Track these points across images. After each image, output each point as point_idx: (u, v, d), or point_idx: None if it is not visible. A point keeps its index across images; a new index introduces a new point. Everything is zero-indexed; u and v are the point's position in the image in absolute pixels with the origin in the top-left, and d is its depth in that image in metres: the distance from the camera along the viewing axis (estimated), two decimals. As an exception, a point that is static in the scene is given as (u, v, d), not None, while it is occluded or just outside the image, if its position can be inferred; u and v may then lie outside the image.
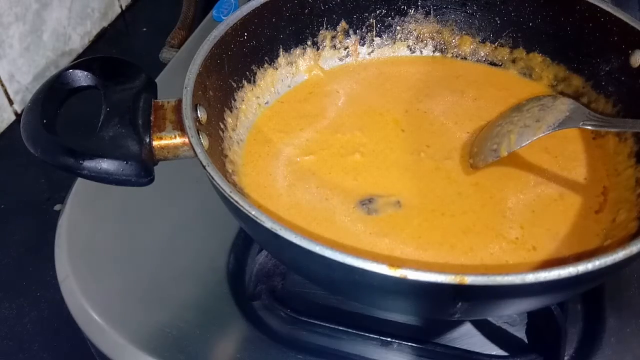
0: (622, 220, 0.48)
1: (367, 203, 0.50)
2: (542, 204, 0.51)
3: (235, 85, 0.55)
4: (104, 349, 0.51)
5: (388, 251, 0.47)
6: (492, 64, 0.64)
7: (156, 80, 0.49)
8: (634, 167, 0.52)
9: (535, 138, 0.50)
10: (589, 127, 0.50)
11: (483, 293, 0.36)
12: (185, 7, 0.95)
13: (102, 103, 0.45)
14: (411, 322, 0.52)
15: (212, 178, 0.40)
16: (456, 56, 0.65)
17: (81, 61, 0.47)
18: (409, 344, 0.50)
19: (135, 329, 0.51)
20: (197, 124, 0.45)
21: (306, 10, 0.60)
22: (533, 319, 0.52)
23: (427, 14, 0.64)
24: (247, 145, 0.55)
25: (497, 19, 0.63)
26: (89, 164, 0.41)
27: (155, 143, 0.44)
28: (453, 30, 0.65)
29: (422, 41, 0.66)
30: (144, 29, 1.04)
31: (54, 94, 0.45)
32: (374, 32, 0.64)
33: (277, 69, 0.60)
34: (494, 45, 0.64)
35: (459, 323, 0.52)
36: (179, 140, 0.44)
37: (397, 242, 0.47)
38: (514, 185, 0.52)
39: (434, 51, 0.66)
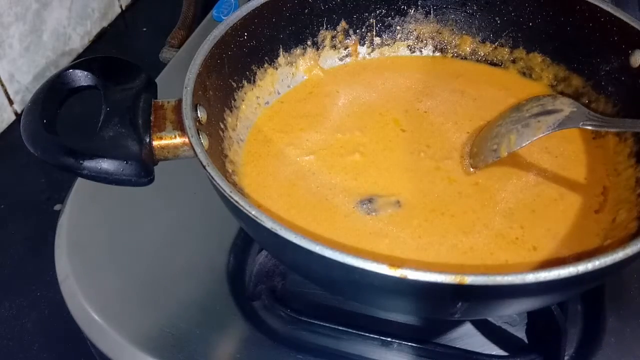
0: (622, 220, 0.48)
1: (367, 203, 0.50)
2: (542, 204, 0.51)
3: (235, 85, 0.55)
4: (104, 349, 0.51)
5: (388, 251, 0.47)
6: (492, 63, 0.64)
7: (156, 80, 0.49)
8: (634, 167, 0.52)
9: (535, 138, 0.50)
10: (589, 127, 0.50)
11: (483, 293, 0.36)
12: (185, 7, 0.95)
13: (102, 103, 0.45)
14: (411, 322, 0.52)
15: (212, 178, 0.40)
16: (456, 56, 0.66)
17: (81, 61, 0.47)
18: (409, 344, 0.50)
19: (135, 329, 0.51)
20: (197, 123, 0.45)
21: (306, 10, 0.60)
22: (533, 319, 0.52)
23: (427, 13, 0.64)
24: (247, 145, 0.55)
25: (497, 19, 0.63)
26: (89, 164, 0.41)
27: (155, 143, 0.44)
28: (453, 30, 0.65)
29: (422, 41, 0.66)
30: (144, 29, 1.04)
31: (54, 94, 0.45)
32: (374, 32, 0.64)
33: (277, 69, 0.60)
34: (494, 45, 0.64)
35: (459, 323, 0.52)
36: (179, 140, 0.44)
37: (397, 242, 0.47)
38: (514, 185, 0.52)
39: (434, 51, 0.66)
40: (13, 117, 0.84)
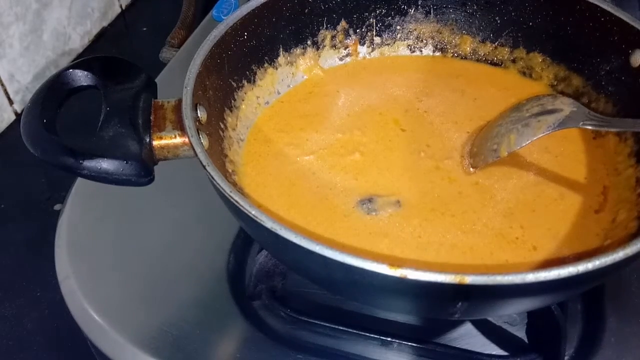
0: (622, 220, 0.48)
1: (367, 203, 0.50)
2: (542, 203, 0.51)
3: (235, 85, 0.55)
4: (104, 349, 0.51)
5: (388, 251, 0.47)
6: (492, 63, 0.64)
7: (156, 80, 0.49)
8: (634, 167, 0.52)
9: (535, 138, 0.50)
10: (589, 127, 0.50)
11: (483, 293, 0.36)
12: (185, 7, 0.95)
13: (102, 103, 0.45)
14: (411, 322, 0.52)
15: (212, 178, 0.40)
16: (456, 56, 0.65)
17: (81, 61, 0.47)
18: (409, 344, 0.50)
19: (135, 329, 0.51)
20: (197, 123, 0.45)
21: (306, 10, 0.60)
22: (533, 319, 0.52)
23: (427, 13, 0.64)
24: (247, 145, 0.55)
25: (497, 18, 0.63)
26: (89, 164, 0.41)
27: (155, 143, 0.44)
28: (453, 29, 0.65)
29: (422, 41, 0.66)
30: (144, 29, 1.04)
31: (54, 94, 0.45)
32: (374, 31, 0.64)
33: (277, 68, 0.60)
34: (494, 45, 0.64)
35: (459, 323, 0.52)
36: (179, 140, 0.44)
37: (397, 242, 0.47)
38: (514, 185, 0.52)
39: (434, 51, 0.66)
40: (13, 117, 0.84)
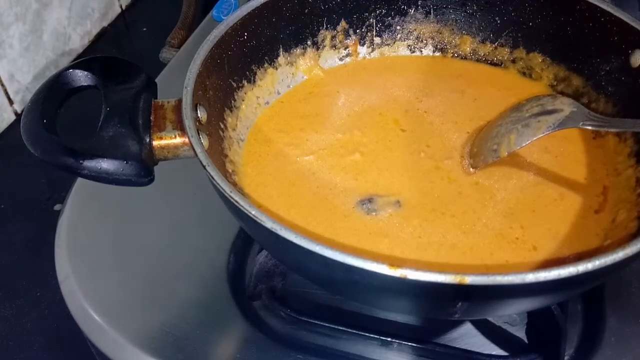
0: (622, 220, 0.48)
1: (367, 203, 0.50)
2: (542, 203, 0.51)
3: (235, 85, 0.55)
4: (104, 349, 0.51)
5: (388, 251, 0.47)
6: (492, 63, 0.64)
7: (156, 80, 0.49)
8: (634, 167, 0.52)
9: (535, 138, 0.50)
10: (589, 127, 0.50)
11: (483, 293, 0.36)
12: (185, 7, 0.95)
13: (102, 103, 0.45)
14: (411, 322, 0.52)
15: (212, 178, 0.40)
16: (456, 56, 0.66)
17: (81, 61, 0.47)
18: (409, 344, 0.50)
19: (135, 329, 0.51)
20: (197, 123, 0.45)
21: (306, 10, 0.60)
22: (533, 319, 0.52)
23: (427, 13, 0.64)
24: (247, 145, 0.55)
25: (497, 18, 0.63)
26: (89, 164, 0.41)
27: (155, 143, 0.44)
28: (453, 30, 0.65)
29: (422, 41, 0.66)
30: (144, 29, 1.04)
31: (54, 94, 0.45)
32: (374, 31, 0.64)
33: (277, 68, 0.60)
34: (494, 45, 0.64)
35: (459, 323, 0.52)
36: (179, 140, 0.44)
37: (397, 242, 0.47)
38: (514, 185, 0.52)
39: (434, 51, 0.66)
40: (13, 117, 0.84)
